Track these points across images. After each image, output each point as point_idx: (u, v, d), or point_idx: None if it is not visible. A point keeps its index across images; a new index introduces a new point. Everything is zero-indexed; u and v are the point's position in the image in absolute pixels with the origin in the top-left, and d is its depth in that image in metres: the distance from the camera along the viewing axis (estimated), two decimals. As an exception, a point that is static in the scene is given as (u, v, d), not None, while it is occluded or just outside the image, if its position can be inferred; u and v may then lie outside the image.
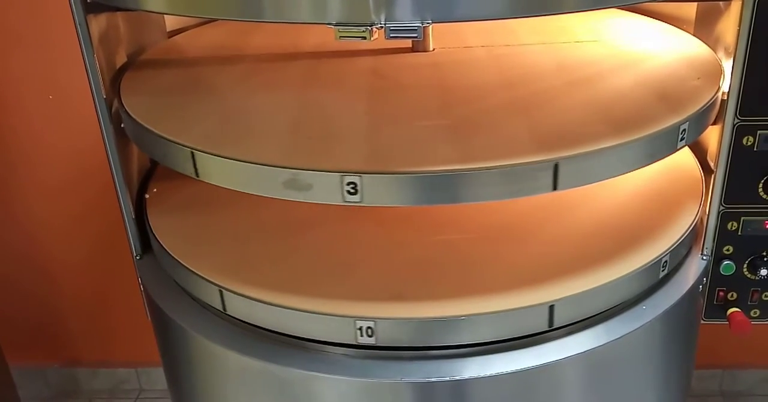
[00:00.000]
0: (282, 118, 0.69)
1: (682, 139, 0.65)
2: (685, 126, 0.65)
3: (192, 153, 0.63)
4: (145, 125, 0.68)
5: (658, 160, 0.65)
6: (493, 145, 0.61)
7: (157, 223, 0.79)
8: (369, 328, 0.63)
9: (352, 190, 0.58)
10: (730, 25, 0.71)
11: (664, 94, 0.70)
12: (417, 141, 0.63)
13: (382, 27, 0.56)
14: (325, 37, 0.86)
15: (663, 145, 0.64)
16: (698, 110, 0.66)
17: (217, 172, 0.63)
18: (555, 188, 0.60)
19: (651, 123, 0.63)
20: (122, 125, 0.74)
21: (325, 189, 0.59)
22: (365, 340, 0.64)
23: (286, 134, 0.66)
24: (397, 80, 0.76)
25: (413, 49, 0.84)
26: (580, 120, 0.65)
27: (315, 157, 0.61)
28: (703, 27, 0.82)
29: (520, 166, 0.58)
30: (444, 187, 0.58)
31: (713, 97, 0.69)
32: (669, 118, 0.64)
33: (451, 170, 0.58)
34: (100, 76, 0.72)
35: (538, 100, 0.70)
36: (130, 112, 0.71)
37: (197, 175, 0.64)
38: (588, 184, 0.62)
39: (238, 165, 0.61)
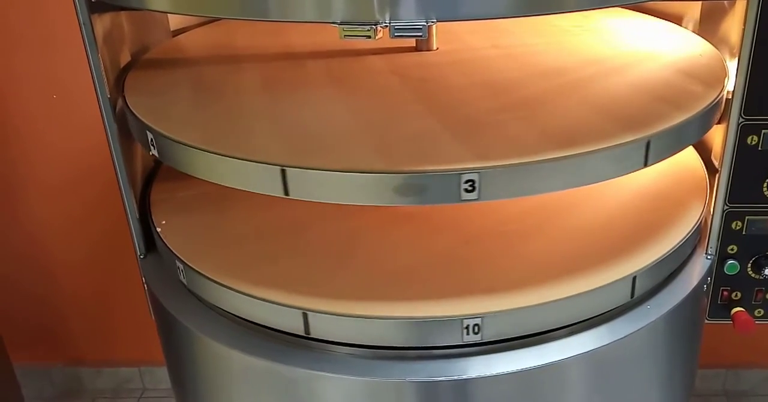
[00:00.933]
0: (323, 119, 0.67)
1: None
2: (722, 99, 0.70)
3: (283, 170, 0.58)
4: (207, 148, 0.62)
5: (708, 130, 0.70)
6: (578, 130, 0.62)
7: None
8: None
9: (469, 188, 0.57)
10: (735, 24, 0.71)
11: (692, 75, 0.73)
12: (504, 132, 0.62)
13: (386, 26, 0.55)
14: (332, 37, 0.86)
15: (714, 117, 0.69)
16: (725, 86, 0.71)
17: (313, 187, 0.59)
18: (645, 164, 0.62)
19: (701, 99, 0.67)
20: (154, 154, 0.69)
21: (441, 190, 0.57)
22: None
23: (351, 136, 0.63)
24: (426, 77, 0.76)
25: (417, 49, 0.84)
26: (635, 101, 0.67)
27: (422, 157, 0.58)
28: (708, 26, 0.82)
29: (620, 147, 0.60)
30: (557, 175, 0.59)
31: (719, 95, 0.69)
32: (711, 94, 0.68)
33: (563, 157, 0.58)
34: (104, 76, 0.72)
35: (580, 88, 0.71)
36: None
37: (287, 193, 0.59)
38: (669, 156, 0.65)
39: (339, 177, 0.57)
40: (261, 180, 0.60)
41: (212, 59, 0.86)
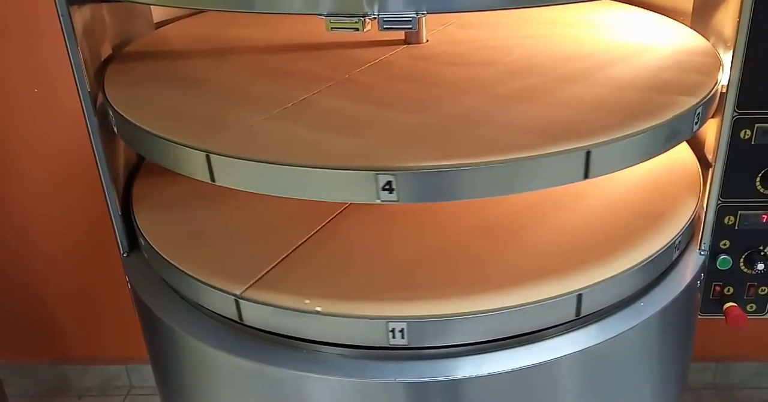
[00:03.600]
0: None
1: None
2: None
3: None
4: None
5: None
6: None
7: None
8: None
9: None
10: (729, 17, 0.70)
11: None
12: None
13: (375, 18, 0.54)
14: (317, 29, 0.85)
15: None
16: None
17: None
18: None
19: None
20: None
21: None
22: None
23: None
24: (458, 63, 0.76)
25: (406, 41, 0.82)
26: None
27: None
28: (701, 19, 0.81)
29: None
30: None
31: (713, 89, 0.68)
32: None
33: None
34: (84, 69, 0.70)
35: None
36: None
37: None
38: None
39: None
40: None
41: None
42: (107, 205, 0.78)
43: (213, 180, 0.61)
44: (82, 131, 0.74)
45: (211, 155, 0.60)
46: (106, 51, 0.81)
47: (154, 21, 0.93)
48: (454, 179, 0.57)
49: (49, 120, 1.36)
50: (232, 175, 0.60)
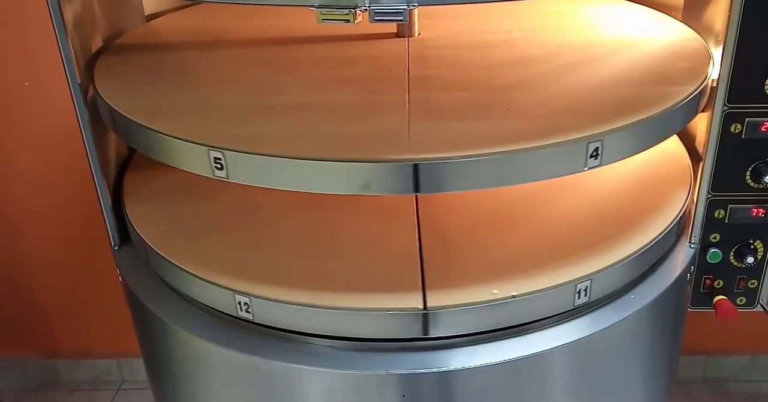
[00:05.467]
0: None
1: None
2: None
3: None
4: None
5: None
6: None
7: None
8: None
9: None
10: (720, 11, 0.70)
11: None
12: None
13: (366, 9, 0.54)
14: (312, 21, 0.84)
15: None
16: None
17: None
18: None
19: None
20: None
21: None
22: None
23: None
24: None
25: (398, 35, 0.82)
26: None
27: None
28: (692, 13, 0.81)
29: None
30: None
31: (703, 83, 0.68)
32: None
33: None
34: (74, 62, 0.70)
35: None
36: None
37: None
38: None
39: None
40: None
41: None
42: (98, 198, 0.77)
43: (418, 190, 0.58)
44: (72, 125, 0.74)
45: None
46: (97, 43, 0.80)
47: (145, 13, 0.93)
48: (641, 134, 0.62)
49: (39, 113, 1.35)
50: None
